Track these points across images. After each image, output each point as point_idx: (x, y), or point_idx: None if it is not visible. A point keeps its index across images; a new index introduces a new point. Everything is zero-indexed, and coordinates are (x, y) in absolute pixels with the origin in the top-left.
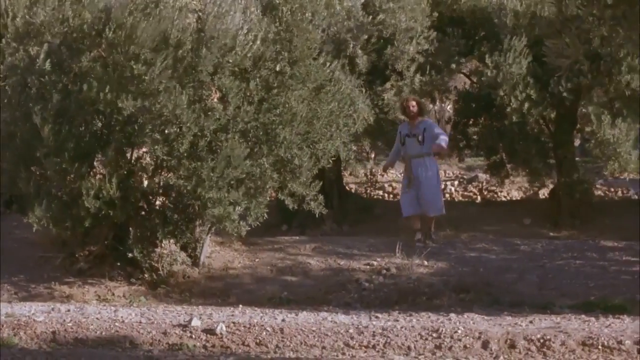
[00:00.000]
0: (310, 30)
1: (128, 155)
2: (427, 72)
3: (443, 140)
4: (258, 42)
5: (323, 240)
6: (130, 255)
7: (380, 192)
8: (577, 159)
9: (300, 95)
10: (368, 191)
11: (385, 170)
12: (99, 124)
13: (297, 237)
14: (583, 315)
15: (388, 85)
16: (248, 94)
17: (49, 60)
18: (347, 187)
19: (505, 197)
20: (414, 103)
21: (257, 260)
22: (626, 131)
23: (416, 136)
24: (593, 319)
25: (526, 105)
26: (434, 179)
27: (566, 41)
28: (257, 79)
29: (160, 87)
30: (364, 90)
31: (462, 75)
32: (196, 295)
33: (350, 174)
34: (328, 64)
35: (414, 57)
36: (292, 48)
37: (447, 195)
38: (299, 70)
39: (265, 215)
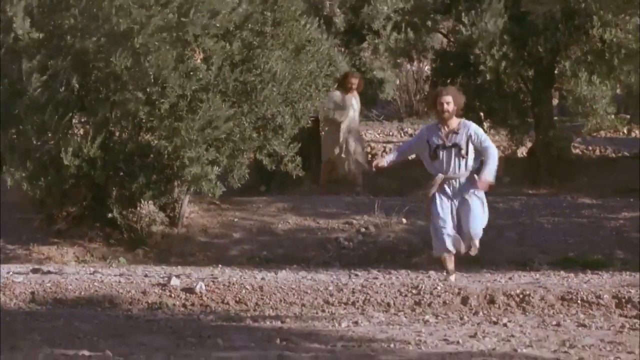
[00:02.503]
0: None
1: (109, 114)
2: (404, 30)
3: (494, 158)
4: (244, 5)
5: (302, 200)
6: (109, 215)
7: None
8: (555, 117)
9: (280, 56)
10: None
11: (376, 166)
12: (78, 82)
13: (276, 197)
14: (562, 272)
15: (365, 44)
16: (230, 54)
17: (26, 18)
18: None
19: None
20: (448, 98)
21: (235, 220)
22: (601, 88)
23: (456, 147)
24: (572, 274)
25: (503, 63)
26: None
27: None
28: (240, 40)
29: (150, 46)
30: (342, 50)
31: (439, 34)
32: (175, 255)
33: None
34: (309, 25)
35: (389, 15)
36: (276, 8)
37: None
38: (282, 31)
39: (247, 175)
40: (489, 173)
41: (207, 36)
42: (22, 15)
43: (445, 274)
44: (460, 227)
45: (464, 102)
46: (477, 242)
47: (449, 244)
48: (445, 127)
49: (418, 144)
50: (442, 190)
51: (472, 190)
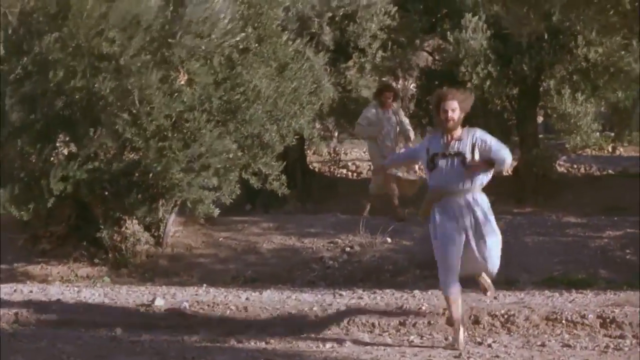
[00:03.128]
0: (275, 6)
1: (92, 135)
2: (390, 48)
3: (506, 157)
4: (228, 24)
5: (287, 219)
6: (97, 234)
7: (344, 171)
8: (540, 135)
9: (264, 74)
10: (331, 169)
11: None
12: (61, 105)
13: (261, 216)
14: (546, 291)
15: (351, 63)
16: (212, 72)
17: (5, 44)
18: (310, 166)
19: None
20: (454, 104)
21: (220, 239)
22: (585, 105)
23: (459, 156)
24: (557, 294)
25: (488, 82)
26: (489, 224)
27: (525, 10)
28: (222, 58)
29: (133, 68)
30: (328, 70)
31: (425, 52)
32: (160, 274)
33: (314, 153)
34: (291, 42)
35: (376, 33)
36: (258, 25)
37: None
38: (265, 48)
39: (238, 190)
40: (497, 157)
41: (193, 58)
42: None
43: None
44: (469, 260)
45: (471, 105)
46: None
47: (455, 279)
48: (449, 136)
49: (420, 153)
50: (443, 209)
51: (482, 212)
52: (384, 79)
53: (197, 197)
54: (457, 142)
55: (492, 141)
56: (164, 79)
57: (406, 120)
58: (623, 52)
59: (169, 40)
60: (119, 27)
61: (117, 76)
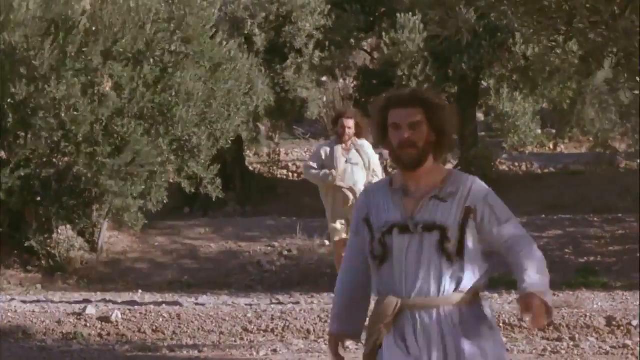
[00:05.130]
0: (203, 8)
1: (23, 140)
2: (327, 48)
3: (536, 263)
4: (149, 25)
5: (225, 223)
6: (26, 243)
7: (284, 172)
8: (482, 133)
9: (196, 75)
10: (271, 171)
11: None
12: None
13: (199, 220)
14: (486, 292)
15: (288, 63)
16: (142, 76)
17: None
18: (250, 168)
19: None
20: (414, 116)
21: (157, 244)
22: (523, 105)
23: (438, 231)
24: (496, 295)
25: (426, 85)
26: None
27: (448, 12)
28: (151, 60)
29: (52, 74)
30: (263, 70)
31: (363, 52)
32: (95, 281)
33: (254, 154)
34: (225, 43)
35: (311, 33)
36: (185, 27)
37: None
38: (194, 49)
39: (165, 198)
40: (542, 283)
41: (115, 61)
42: None
43: None
44: None
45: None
46: None
47: None
48: (412, 184)
49: (358, 238)
50: (399, 336)
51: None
52: (322, 79)
53: (123, 205)
54: (430, 203)
55: (505, 209)
56: (88, 84)
57: (375, 160)
58: (551, 52)
59: (83, 49)
60: (38, 32)
61: (37, 80)
